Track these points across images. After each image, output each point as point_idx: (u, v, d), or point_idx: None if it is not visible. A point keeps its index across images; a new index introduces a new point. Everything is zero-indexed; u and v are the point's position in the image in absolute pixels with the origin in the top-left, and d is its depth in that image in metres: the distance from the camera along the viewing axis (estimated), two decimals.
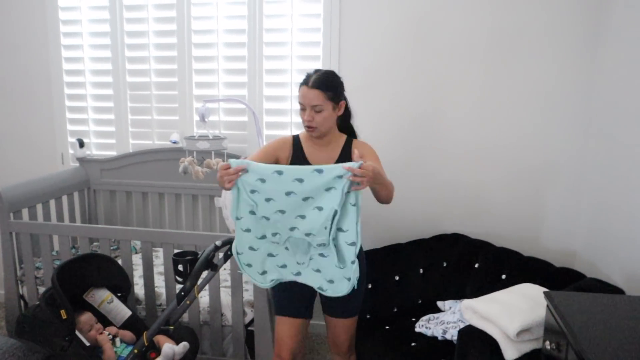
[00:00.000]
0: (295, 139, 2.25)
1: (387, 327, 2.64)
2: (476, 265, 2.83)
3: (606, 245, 2.65)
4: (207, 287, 2.62)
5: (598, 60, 2.81)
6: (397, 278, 2.84)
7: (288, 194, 1.87)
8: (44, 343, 2.27)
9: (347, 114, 2.26)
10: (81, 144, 3.51)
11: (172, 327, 2.42)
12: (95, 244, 3.39)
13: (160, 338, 2.41)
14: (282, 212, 1.90)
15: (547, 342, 1.79)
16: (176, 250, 2.39)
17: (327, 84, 2.10)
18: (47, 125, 3.64)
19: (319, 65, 3.16)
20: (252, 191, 1.91)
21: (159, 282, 2.91)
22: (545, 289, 2.16)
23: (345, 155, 2.17)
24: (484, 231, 3.05)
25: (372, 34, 3.08)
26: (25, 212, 3.07)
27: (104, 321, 2.52)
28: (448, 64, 3.03)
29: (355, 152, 1.91)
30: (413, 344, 2.49)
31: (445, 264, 2.92)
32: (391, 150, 3.16)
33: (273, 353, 2.63)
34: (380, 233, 3.11)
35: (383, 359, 2.45)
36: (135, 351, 2.20)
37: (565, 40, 2.86)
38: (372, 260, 2.66)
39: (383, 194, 2.05)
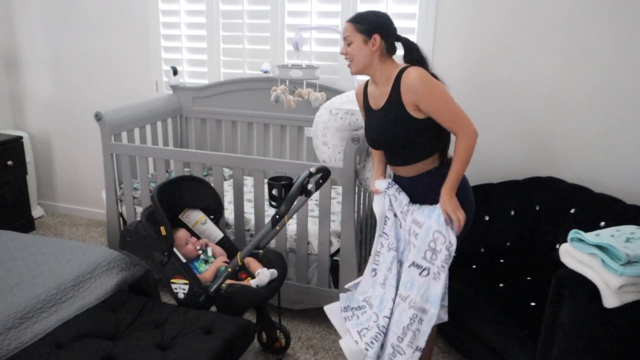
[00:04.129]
0: (366, 83, 2.25)
1: (474, 266, 2.60)
2: (572, 211, 2.70)
3: None
4: (295, 215, 2.67)
5: None
6: (486, 218, 2.76)
7: None
8: (144, 257, 2.41)
9: (416, 60, 2.11)
10: (175, 72, 3.59)
11: (261, 251, 2.50)
12: (187, 169, 3.52)
13: (250, 261, 2.49)
14: None
15: None
16: (270, 176, 2.44)
17: (360, 18, 2.10)
18: (143, 53, 3.74)
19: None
20: None
21: (248, 209, 2.99)
22: None
23: (394, 91, 2.06)
24: (581, 177, 2.88)
25: None
26: (124, 136, 3.22)
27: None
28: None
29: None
30: (501, 285, 2.44)
31: (538, 208, 2.81)
32: (487, 87, 3.03)
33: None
34: (471, 171, 2.99)
35: (468, 298, 2.43)
36: (230, 270, 2.29)
37: None
38: None
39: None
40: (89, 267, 2.33)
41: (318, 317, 2.95)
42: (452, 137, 2.11)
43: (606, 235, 1.98)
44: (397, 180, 2.23)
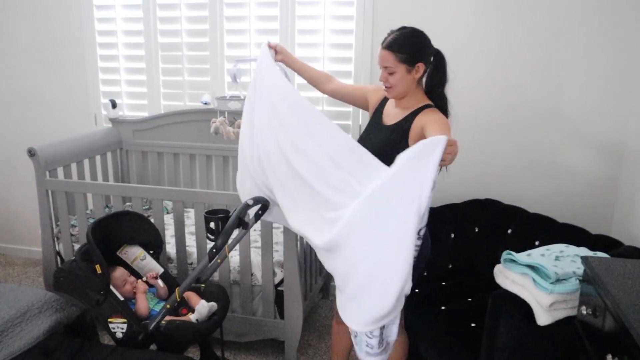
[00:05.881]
0: None
1: (416, 290, 2.63)
2: (509, 231, 2.78)
3: None
4: (237, 246, 2.63)
5: None
6: None
7: None
8: (79, 297, 2.32)
9: (437, 80, 2.09)
10: (114, 105, 3.53)
11: (203, 285, 2.45)
12: (128, 203, 3.44)
13: (191, 295, 2.44)
14: None
15: (583, 308, 1.75)
16: (207, 209, 2.41)
17: (400, 45, 1.99)
18: (80, 86, 3.67)
19: (352, 25, 3.09)
20: None
21: (190, 242, 2.94)
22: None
23: (409, 118, 2.05)
24: (517, 197, 2.98)
25: None
26: (60, 171, 3.12)
27: (138, 278, 2.56)
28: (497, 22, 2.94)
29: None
30: (443, 307, 2.48)
31: (477, 229, 2.88)
32: None
33: (302, 313, 2.68)
34: None
35: (412, 322, 2.45)
36: (168, 306, 2.23)
37: None
38: None
39: None
40: (20, 310, 2.22)
41: (265, 349, 2.91)
42: None
43: (537, 254, 2.06)
44: None
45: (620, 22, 2.76)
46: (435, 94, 2.10)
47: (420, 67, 2.02)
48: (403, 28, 2.05)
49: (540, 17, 2.87)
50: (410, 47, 2.00)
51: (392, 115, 2.14)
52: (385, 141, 2.09)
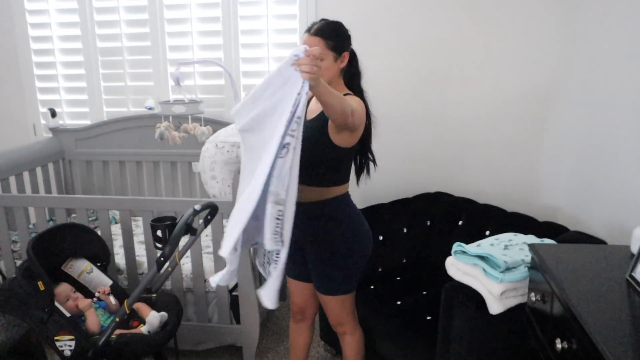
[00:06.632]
0: None
1: (372, 287, 2.64)
2: (460, 223, 2.82)
3: (589, 199, 2.65)
4: (188, 253, 2.58)
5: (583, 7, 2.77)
6: (380, 238, 2.82)
7: None
8: (22, 316, 2.21)
9: (355, 73, 2.09)
10: (53, 114, 3.40)
11: (154, 295, 2.38)
12: (73, 215, 3.32)
13: (141, 307, 2.37)
14: None
15: (532, 294, 1.78)
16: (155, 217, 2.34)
17: (329, 33, 1.95)
18: (16, 96, 3.52)
19: (296, 24, 3.07)
20: None
21: (140, 251, 2.85)
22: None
23: None
24: (467, 189, 3.03)
25: None
26: None
27: (85, 292, 2.47)
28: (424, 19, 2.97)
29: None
30: (399, 302, 2.49)
31: (429, 223, 2.91)
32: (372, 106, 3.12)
33: (258, 316, 2.64)
34: (363, 193, 3.07)
35: (368, 318, 2.45)
36: (117, 320, 2.16)
37: None
38: None
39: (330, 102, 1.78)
40: None
41: (223, 355, 2.86)
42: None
43: (486, 244, 2.08)
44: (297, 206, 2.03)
45: (542, 20, 2.84)
46: (353, 87, 2.08)
47: (346, 56, 2.00)
48: (325, 19, 2.02)
49: (466, 15, 2.92)
50: (339, 35, 1.98)
51: (314, 109, 2.06)
52: (308, 138, 1.95)
